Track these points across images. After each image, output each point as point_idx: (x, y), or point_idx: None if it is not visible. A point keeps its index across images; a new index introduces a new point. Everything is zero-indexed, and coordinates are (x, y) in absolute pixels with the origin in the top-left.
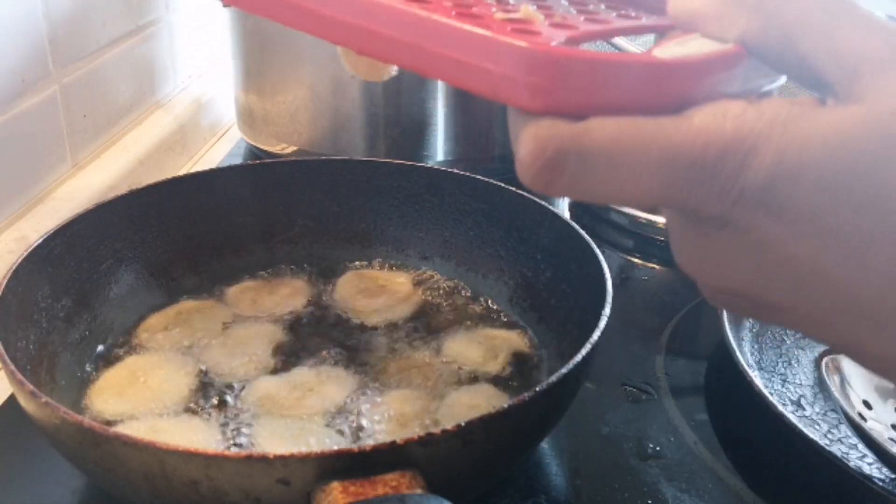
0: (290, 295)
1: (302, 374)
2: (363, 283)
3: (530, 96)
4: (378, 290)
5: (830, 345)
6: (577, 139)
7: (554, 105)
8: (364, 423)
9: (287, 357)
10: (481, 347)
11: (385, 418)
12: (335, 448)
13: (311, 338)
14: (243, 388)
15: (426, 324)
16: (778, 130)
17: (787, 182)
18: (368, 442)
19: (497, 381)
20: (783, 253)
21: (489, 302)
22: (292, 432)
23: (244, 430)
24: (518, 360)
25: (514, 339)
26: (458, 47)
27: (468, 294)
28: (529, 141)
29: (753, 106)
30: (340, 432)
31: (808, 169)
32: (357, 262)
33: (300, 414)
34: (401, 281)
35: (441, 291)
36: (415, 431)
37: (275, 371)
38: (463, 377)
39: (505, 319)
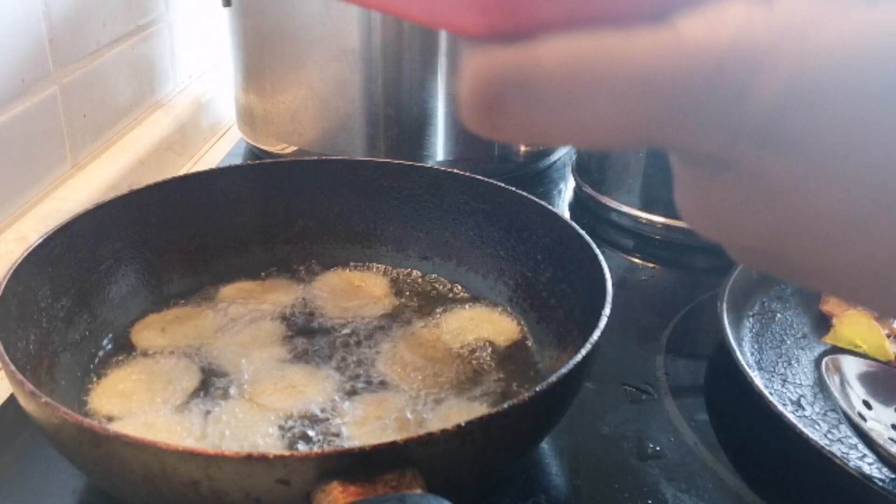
0: (289, 295)
1: (293, 370)
2: (350, 282)
3: (471, 16)
4: (356, 290)
5: (875, 309)
6: (521, 66)
7: (501, 26)
8: (337, 426)
9: (284, 355)
10: (462, 324)
11: (362, 421)
12: (336, 448)
13: (308, 337)
14: (239, 382)
15: (417, 321)
16: (791, 40)
17: (804, 110)
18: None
19: (493, 382)
20: (804, 203)
21: (488, 301)
22: (253, 431)
23: (233, 427)
24: (517, 359)
25: (496, 321)
26: None
27: (467, 293)
28: (467, 75)
29: (762, 7)
30: (308, 434)
31: (832, 92)
32: (348, 262)
33: (277, 411)
34: (385, 279)
35: (439, 290)
36: (388, 436)
37: (270, 368)
38: (453, 384)
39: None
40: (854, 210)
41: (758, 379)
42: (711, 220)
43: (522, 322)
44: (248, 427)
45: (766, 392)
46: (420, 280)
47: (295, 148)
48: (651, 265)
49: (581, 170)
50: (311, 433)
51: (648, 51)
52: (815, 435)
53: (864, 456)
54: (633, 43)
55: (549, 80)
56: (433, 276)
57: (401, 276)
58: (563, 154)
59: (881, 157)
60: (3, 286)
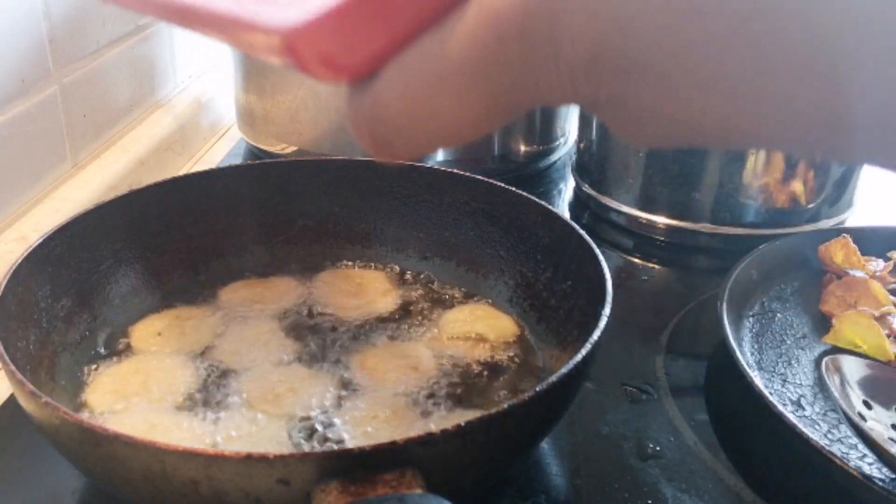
0: (288, 295)
1: (293, 370)
2: (349, 281)
3: (318, 69)
4: (356, 290)
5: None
6: (373, 107)
7: (343, 71)
8: (337, 426)
9: (283, 355)
10: (462, 324)
11: (362, 421)
12: (336, 448)
13: (308, 337)
14: (237, 383)
15: (417, 320)
16: None
17: (620, 36)
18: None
19: (493, 382)
20: (672, 120)
21: (488, 301)
22: (252, 431)
23: (231, 428)
24: (517, 359)
25: (495, 321)
26: (226, 28)
27: (466, 293)
28: (349, 126)
29: None
30: (307, 434)
31: (637, 12)
32: (348, 262)
33: (276, 412)
34: (385, 279)
35: (438, 290)
36: (388, 436)
37: (270, 368)
38: (452, 383)
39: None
40: (719, 117)
41: (758, 379)
42: (628, 135)
43: (522, 322)
44: (247, 428)
45: (766, 392)
46: (420, 280)
47: (295, 148)
48: (651, 265)
49: (581, 170)
50: (311, 433)
51: (458, 39)
52: (815, 435)
53: (864, 456)
54: (444, 38)
55: (396, 109)
56: (433, 276)
57: (400, 276)
58: (563, 154)
59: (725, 63)
60: (3, 286)
